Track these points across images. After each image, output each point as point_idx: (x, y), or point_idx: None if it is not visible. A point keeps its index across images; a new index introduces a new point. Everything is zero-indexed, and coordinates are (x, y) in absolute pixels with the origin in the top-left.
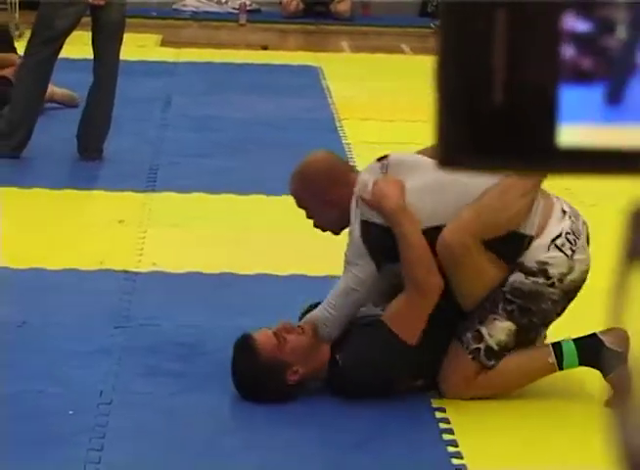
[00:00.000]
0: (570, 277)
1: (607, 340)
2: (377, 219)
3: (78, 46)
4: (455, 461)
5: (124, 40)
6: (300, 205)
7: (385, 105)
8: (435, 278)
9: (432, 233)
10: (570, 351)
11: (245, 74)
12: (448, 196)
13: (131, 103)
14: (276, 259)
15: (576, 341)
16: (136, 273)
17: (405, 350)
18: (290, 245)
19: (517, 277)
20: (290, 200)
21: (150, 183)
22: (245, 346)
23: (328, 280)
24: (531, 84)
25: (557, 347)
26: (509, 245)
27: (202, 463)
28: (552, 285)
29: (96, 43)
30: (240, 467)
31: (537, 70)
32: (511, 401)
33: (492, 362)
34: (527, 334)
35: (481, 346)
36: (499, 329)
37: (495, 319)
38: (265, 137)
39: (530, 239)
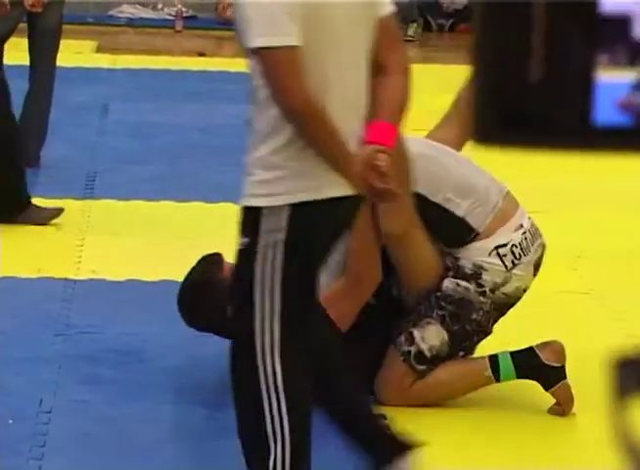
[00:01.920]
0: (503, 290)
1: (544, 356)
2: None
3: (15, 52)
4: None
5: (60, 47)
6: None
7: None
8: (375, 273)
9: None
10: (506, 365)
11: (182, 81)
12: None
13: (68, 110)
14: None
15: (513, 355)
16: (75, 281)
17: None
18: (230, 252)
19: (449, 283)
20: (229, 206)
21: (88, 190)
22: (212, 259)
23: None
24: (569, 62)
25: (493, 360)
26: (453, 232)
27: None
28: (483, 293)
29: (32, 50)
30: None
31: (575, 48)
32: (447, 408)
33: (423, 367)
34: (461, 342)
35: (412, 348)
36: (433, 333)
37: (429, 323)
38: (203, 144)
39: (476, 235)
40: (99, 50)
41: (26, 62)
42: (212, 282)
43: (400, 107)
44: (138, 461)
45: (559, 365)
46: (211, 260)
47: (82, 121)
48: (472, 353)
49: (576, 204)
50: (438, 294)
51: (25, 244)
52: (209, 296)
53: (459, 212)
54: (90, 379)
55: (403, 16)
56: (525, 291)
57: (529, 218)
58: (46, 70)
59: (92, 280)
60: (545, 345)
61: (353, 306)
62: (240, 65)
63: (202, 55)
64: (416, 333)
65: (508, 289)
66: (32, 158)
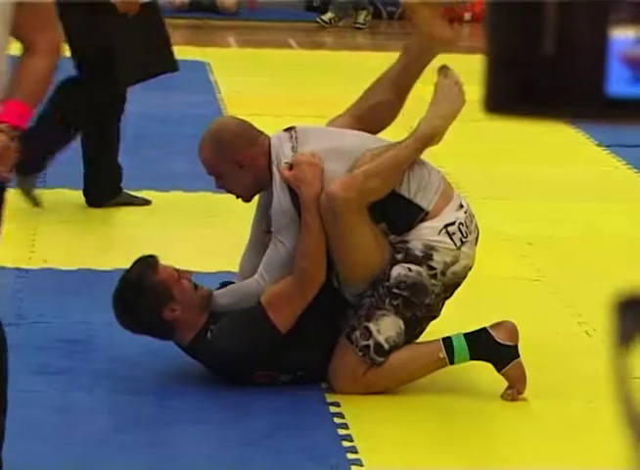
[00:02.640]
0: (452, 269)
1: (497, 335)
2: None
3: None
4: (350, 455)
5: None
6: (212, 170)
7: (273, 99)
8: (321, 275)
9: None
10: (460, 346)
11: None
12: (352, 159)
13: None
14: (171, 255)
15: (467, 336)
16: (27, 270)
17: (273, 339)
18: (186, 240)
19: (400, 269)
20: (183, 196)
21: (40, 179)
22: (147, 261)
23: (222, 276)
24: (583, 34)
25: (447, 342)
26: (402, 213)
27: (95, 460)
28: (434, 276)
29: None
30: (133, 464)
31: (589, 20)
32: (404, 395)
33: (382, 359)
34: (414, 329)
35: (370, 342)
36: (389, 325)
37: (383, 315)
38: (155, 133)
39: (426, 214)
40: None
41: None
42: (146, 285)
43: (39, 87)
44: (93, 451)
45: (512, 344)
46: (146, 263)
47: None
48: (417, 338)
49: (526, 192)
50: (388, 283)
51: None
52: (143, 299)
53: (407, 194)
54: (42, 369)
55: (354, 3)
56: (470, 269)
57: (466, 201)
58: None
59: (44, 269)
60: (498, 325)
61: (298, 308)
62: (190, 53)
63: None
64: (372, 327)
65: (457, 268)
66: None
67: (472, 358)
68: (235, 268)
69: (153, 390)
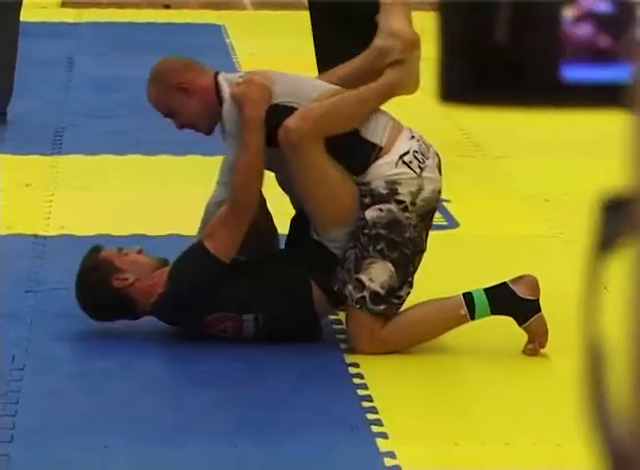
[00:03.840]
0: (420, 197)
1: (518, 289)
2: None
3: None
4: (370, 416)
5: (24, 1)
6: (160, 106)
7: (289, 61)
8: (253, 196)
9: (284, 111)
10: (481, 301)
11: (148, 34)
12: (307, 86)
13: (34, 65)
14: (186, 220)
15: (487, 291)
16: (45, 237)
17: (217, 269)
18: (198, 204)
19: (372, 212)
20: (200, 159)
21: (56, 146)
22: (90, 250)
23: None
24: (536, 20)
25: (468, 297)
26: (356, 152)
27: (116, 425)
28: (405, 209)
29: None
30: (156, 428)
31: (542, 5)
32: (424, 355)
33: (383, 307)
34: (406, 269)
35: (365, 293)
36: (379, 271)
37: (371, 263)
38: None
39: (379, 150)
40: (64, 4)
41: None
42: (88, 266)
43: None
44: (112, 416)
45: (533, 298)
46: (88, 253)
47: (48, 77)
48: (412, 276)
49: (542, 149)
50: (366, 230)
51: None
52: (89, 278)
53: (359, 132)
54: (62, 335)
55: None
56: (439, 193)
57: (417, 132)
58: (10, 26)
59: (62, 236)
60: (519, 279)
61: (234, 231)
62: (205, 16)
63: (167, 7)
64: (363, 277)
65: (425, 194)
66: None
67: (493, 313)
68: None
69: (171, 354)
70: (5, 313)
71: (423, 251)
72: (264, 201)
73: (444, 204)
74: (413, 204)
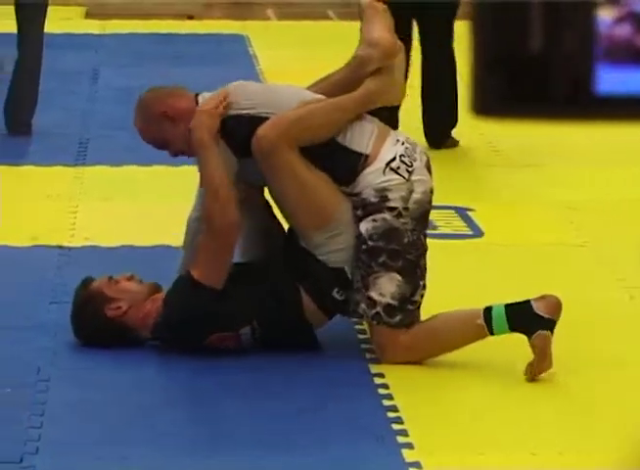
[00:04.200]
0: (412, 200)
1: (537, 306)
2: (232, 111)
3: (2, 20)
4: (395, 426)
5: (49, 13)
6: (148, 136)
7: (312, 71)
8: (230, 216)
9: (259, 122)
10: (499, 315)
11: (171, 45)
12: (287, 96)
13: (58, 76)
14: None
15: (508, 306)
16: (70, 248)
17: (208, 297)
18: None
19: (366, 225)
20: None
21: (80, 157)
22: (81, 283)
23: None
24: (569, 32)
25: (487, 311)
26: (341, 162)
27: (141, 436)
28: (399, 215)
29: (19, 17)
30: (182, 439)
31: (575, 18)
32: (448, 366)
33: (399, 317)
34: (414, 274)
35: (379, 309)
36: (386, 284)
37: (377, 278)
38: None
39: (366, 158)
40: (88, 16)
41: (14, 30)
42: (81, 299)
43: None
44: (138, 427)
45: (548, 317)
46: (79, 286)
47: (72, 88)
48: (423, 278)
49: (568, 157)
50: (364, 246)
51: (20, 212)
52: (84, 311)
53: (343, 142)
54: (87, 347)
55: None
56: (431, 192)
57: (403, 134)
58: (34, 38)
59: (86, 247)
60: (542, 297)
61: (219, 260)
62: (228, 27)
63: (190, 18)
64: (372, 294)
65: (416, 197)
66: (24, 125)
67: (511, 329)
68: None
69: (196, 366)
70: (30, 325)
71: (425, 251)
72: (268, 203)
73: (469, 213)
74: (406, 208)
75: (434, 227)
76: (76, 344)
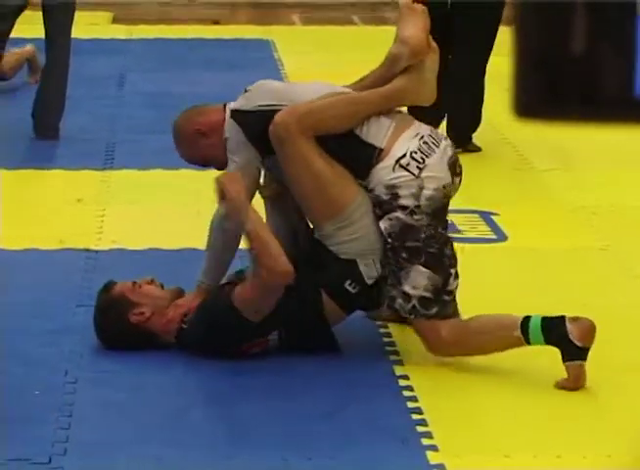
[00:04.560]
0: (424, 197)
1: (572, 331)
2: (248, 107)
3: (30, 26)
4: (420, 428)
5: (76, 19)
6: (191, 158)
7: (337, 75)
8: (282, 268)
9: None
10: (536, 327)
11: (197, 50)
12: (304, 90)
13: (86, 81)
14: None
15: (544, 320)
16: (97, 251)
17: (245, 324)
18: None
19: (384, 224)
20: None
21: (107, 161)
22: (104, 286)
23: None
24: (612, 33)
25: (525, 321)
26: (357, 154)
27: (168, 437)
28: (413, 213)
29: (47, 22)
30: (208, 440)
31: (618, 20)
32: (474, 368)
33: (435, 308)
34: (441, 264)
35: (414, 302)
36: (417, 277)
37: (407, 272)
38: None
39: (380, 152)
40: (115, 21)
41: (42, 35)
42: (104, 304)
43: None
44: (164, 428)
45: (582, 346)
46: (101, 289)
47: (100, 93)
48: (455, 262)
49: (588, 161)
50: (387, 245)
51: (47, 216)
52: (106, 316)
53: (359, 133)
54: (111, 349)
55: None
56: (445, 187)
57: (429, 128)
58: (62, 43)
59: (113, 250)
60: (577, 320)
61: (266, 301)
62: (254, 31)
63: (216, 23)
64: (406, 288)
65: (427, 193)
66: (51, 130)
67: (546, 343)
68: None
69: (223, 368)
70: (57, 327)
71: (448, 240)
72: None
73: (492, 217)
74: (418, 206)
75: (459, 231)
76: (103, 347)
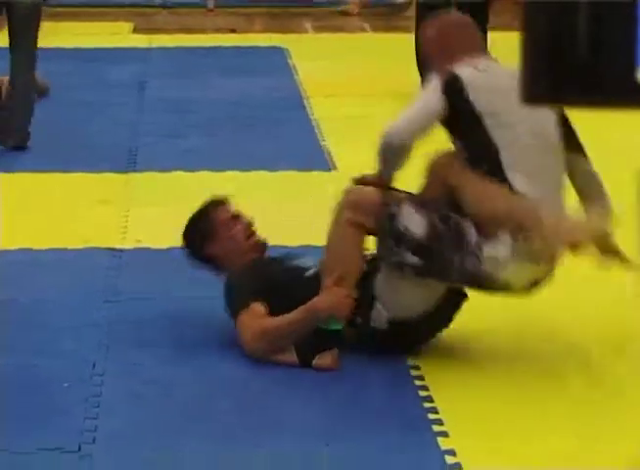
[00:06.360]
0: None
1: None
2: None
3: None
4: (431, 416)
5: (99, 29)
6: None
7: (348, 81)
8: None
9: None
10: None
11: (215, 57)
12: None
13: (107, 88)
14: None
15: None
16: (121, 250)
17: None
18: (267, 217)
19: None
20: (263, 174)
21: (130, 164)
22: (213, 201)
23: (309, 249)
24: (615, 19)
25: None
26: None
27: (193, 427)
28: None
29: (11, 32)
30: (234, 429)
31: (621, 5)
32: (485, 357)
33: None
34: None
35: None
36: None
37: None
38: (237, 116)
39: None
40: (135, 31)
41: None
42: (197, 221)
43: None
44: (189, 418)
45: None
46: (211, 202)
47: (121, 99)
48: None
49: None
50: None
51: (73, 217)
52: (192, 232)
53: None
54: (139, 342)
55: None
56: None
57: None
58: (25, 52)
59: (138, 249)
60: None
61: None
62: (269, 39)
63: (233, 31)
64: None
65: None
66: (21, 136)
67: None
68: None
69: (244, 359)
70: (85, 322)
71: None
72: None
73: None
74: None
75: None
76: (129, 340)
